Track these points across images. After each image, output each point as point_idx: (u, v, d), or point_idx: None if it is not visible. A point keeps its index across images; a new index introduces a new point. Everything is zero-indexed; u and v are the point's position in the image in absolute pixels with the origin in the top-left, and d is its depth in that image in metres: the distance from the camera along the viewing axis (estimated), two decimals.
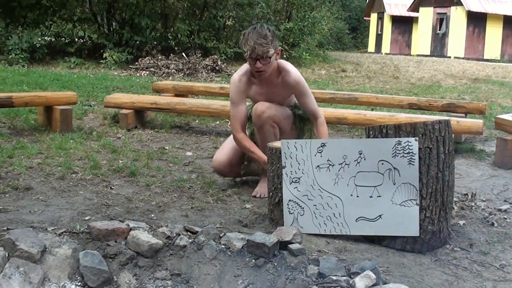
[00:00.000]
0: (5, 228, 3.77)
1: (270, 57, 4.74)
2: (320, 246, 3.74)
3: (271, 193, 4.21)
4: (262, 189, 4.99)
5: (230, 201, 4.83)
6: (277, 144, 4.24)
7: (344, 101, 9.31)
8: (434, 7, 36.61)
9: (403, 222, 3.82)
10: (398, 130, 3.82)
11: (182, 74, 16.52)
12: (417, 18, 38.76)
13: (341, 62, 22.80)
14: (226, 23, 20.40)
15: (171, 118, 8.62)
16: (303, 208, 3.97)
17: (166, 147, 6.78)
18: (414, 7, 38.36)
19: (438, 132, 3.80)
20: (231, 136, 5.18)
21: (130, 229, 3.62)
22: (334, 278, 3.19)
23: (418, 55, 34.87)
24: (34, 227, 3.76)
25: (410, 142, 3.75)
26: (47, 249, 3.43)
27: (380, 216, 3.84)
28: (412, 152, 3.75)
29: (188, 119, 8.59)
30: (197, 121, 8.61)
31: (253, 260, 3.37)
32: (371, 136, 3.92)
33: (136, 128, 7.89)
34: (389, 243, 3.90)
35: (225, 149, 5.24)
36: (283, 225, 3.93)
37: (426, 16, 37.20)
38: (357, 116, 7.38)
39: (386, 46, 41.18)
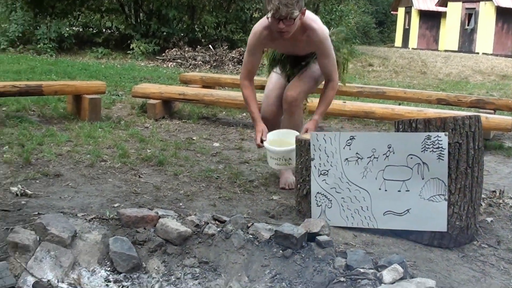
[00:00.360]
0: (36, 213, 3.83)
1: (294, 19, 4.51)
2: (347, 239, 3.75)
3: (299, 185, 4.22)
4: (287, 180, 5.01)
5: (257, 192, 4.85)
6: (306, 136, 4.25)
7: (371, 95, 9.28)
8: (462, 2, 36.28)
9: (431, 217, 3.82)
10: (428, 124, 3.81)
11: (209, 66, 16.55)
12: (445, 13, 38.43)
13: (368, 56, 22.69)
14: (253, 15, 20.39)
15: (198, 109, 8.65)
16: (331, 200, 3.98)
17: (193, 138, 6.81)
18: (443, 2, 38.04)
19: (468, 128, 3.79)
20: (270, 84, 5.21)
21: (159, 217, 3.66)
22: (362, 270, 3.19)
23: (445, 51, 34.59)
24: (65, 212, 3.82)
25: (440, 137, 3.74)
26: (77, 234, 3.48)
27: (408, 210, 3.84)
28: (441, 147, 3.74)
29: (215, 111, 8.62)
30: (224, 112, 8.63)
31: (281, 251, 3.39)
32: (401, 130, 3.92)
33: (163, 118, 7.93)
34: (416, 238, 3.89)
35: (270, 99, 5.20)
36: (310, 217, 3.94)
37: (455, 11, 36.88)
38: (385, 111, 7.35)
39: (413, 41, 40.88)
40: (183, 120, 7.86)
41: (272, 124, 5.06)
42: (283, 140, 4.82)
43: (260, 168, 5.61)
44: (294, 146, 4.39)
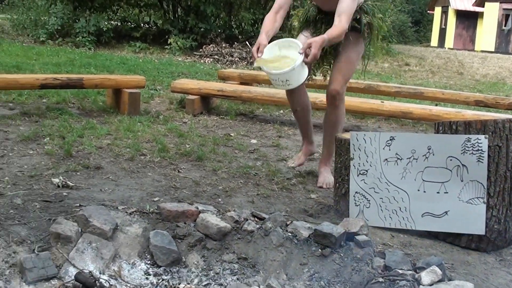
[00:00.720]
0: (78, 204, 3.90)
1: None
2: (385, 239, 3.77)
3: (337, 184, 4.25)
4: (326, 179, 5.03)
5: (295, 190, 4.87)
6: (346, 135, 4.26)
7: (409, 95, 9.25)
8: (500, 3, 35.94)
9: (469, 219, 3.81)
10: (468, 127, 3.80)
11: (245, 62, 16.59)
12: (482, 13, 38.10)
13: (404, 55, 22.59)
14: (290, 13, 20.33)
15: (236, 105, 8.70)
16: (369, 200, 3.99)
17: (231, 134, 6.85)
18: (480, 2, 37.70)
19: (508, 131, 3.78)
20: None
21: (199, 212, 3.70)
22: (400, 271, 3.21)
23: (482, 51, 34.32)
24: (106, 205, 3.88)
25: (480, 139, 3.74)
26: (118, 227, 3.53)
27: (446, 212, 3.84)
28: (481, 150, 3.73)
29: (253, 107, 8.66)
30: (261, 109, 8.67)
31: (320, 250, 3.41)
32: (441, 131, 3.92)
33: (201, 114, 7.99)
34: (453, 240, 3.89)
35: None
36: (348, 217, 3.96)
37: (492, 11, 36.54)
38: (423, 111, 7.33)
39: (449, 41, 40.58)
40: (221, 116, 7.91)
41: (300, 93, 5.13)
42: (285, 55, 4.59)
43: (299, 166, 5.60)
44: (288, 69, 4.32)
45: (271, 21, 4.85)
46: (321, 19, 5.13)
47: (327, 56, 5.19)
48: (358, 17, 4.97)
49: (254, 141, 6.61)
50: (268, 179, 5.10)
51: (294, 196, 4.71)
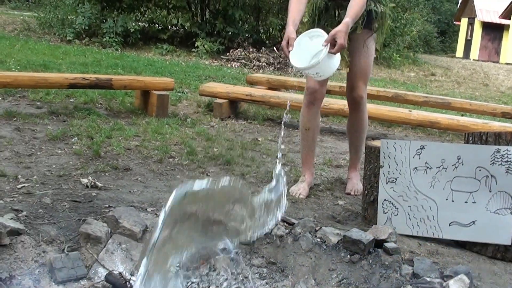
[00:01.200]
0: (107, 205, 3.94)
1: None
2: (412, 247, 3.78)
3: (366, 191, 4.26)
4: (354, 186, 5.05)
5: (323, 197, 4.89)
6: (376, 143, 4.28)
7: (437, 105, 9.23)
8: None
9: (496, 230, 3.81)
10: (498, 138, 3.81)
11: (273, 68, 16.63)
12: (508, 25, 37.92)
13: (430, 65, 22.53)
14: None
15: (264, 110, 8.73)
16: (397, 208, 4.01)
17: (259, 139, 6.89)
18: (506, 14, 37.52)
19: None
20: None
21: None
22: (428, 279, 3.22)
23: (507, 63, 34.12)
24: (135, 206, 3.92)
25: (510, 150, 3.74)
26: (148, 229, 3.56)
27: (473, 222, 3.85)
28: (510, 161, 3.73)
29: (281, 112, 8.68)
30: (289, 115, 8.67)
31: (348, 256, 3.43)
32: (470, 142, 3.93)
33: (229, 118, 8.03)
34: (480, 250, 3.89)
35: None
36: (376, 224, 3.98)
37: None
38: (450, 121, 7.33)
39: (475, 52, 40.41)
40: (249, 121, 7.95)
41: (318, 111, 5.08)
42: (314, 47, 4.33)
43: (325, 172, 5.66)
44: (313, 62, 4.15)
45: (296, 6, 4.59)
46: (333, 5, 4.90)
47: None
48: (369, 9, 4.82)
49: (282, 146, 6.61)
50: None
51: (322, 202, 4.73)
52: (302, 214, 4.29)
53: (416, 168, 3.96)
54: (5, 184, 4.34)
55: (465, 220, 3.85)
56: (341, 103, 7.27)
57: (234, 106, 8.28)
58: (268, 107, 8.77)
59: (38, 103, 7.63)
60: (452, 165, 3.86)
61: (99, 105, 7.98)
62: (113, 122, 6.83)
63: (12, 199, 4.01)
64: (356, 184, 5.03)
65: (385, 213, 4.05)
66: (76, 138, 5.89)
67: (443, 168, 3.88)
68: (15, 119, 6.46)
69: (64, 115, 6.99)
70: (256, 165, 5.62)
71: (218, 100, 8.08)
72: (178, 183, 4.70)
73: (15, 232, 3.32)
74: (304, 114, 5.08)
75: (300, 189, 4.86)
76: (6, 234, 3.27)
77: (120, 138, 6.11)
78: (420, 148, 3.94)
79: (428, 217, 3.94)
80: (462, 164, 3.83)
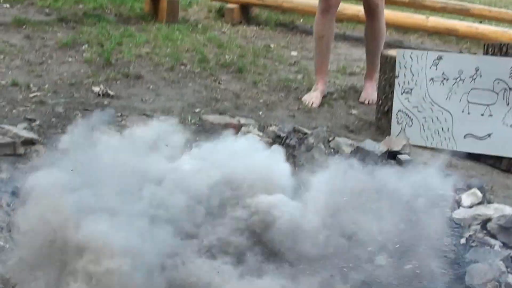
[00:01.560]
0: (119, 114, 3.92)
1: None
2: (425, 159, 3.74)
3: (380, 102, 4.22)
4: (369, 95, 4.95)
5: (336, 106, 4.83)
6: (392, 52, 4.20)
7: (455, 11, 8.98)
8: None
9: (511, 143, 3.79)
10: None
11: None
12: None
13: None
14: None
15: (276, 15, 8.53)
16: (412, 119, 3.97)
17: (271, 45, 6.77)
18: None
19: None
20: None
21: (241, 125, 3.71)
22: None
23: None
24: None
25: None
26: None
27: (489, 135, 3.81)
28: None
29: (293, 18, 8.49)
30: (301, 20, 8.52)
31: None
32: (490, 53, 3.85)
33: (240, 23, 7.87)
34: (494, 163, 3.87)
35: None
36: (389, 135, 3.95)
37: None
38: (468, 29, 7.16)
39: None
40: (260, 27, 7.79)
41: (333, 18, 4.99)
42: None
43: (339, 80, 5.56)
44: None
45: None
46: None
47: None
48: None
49: (294, 53, 6.53)
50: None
51: (335, 112, 4.69)
52: (315, 124, 4.26)
53: (432, 79, 3.89)
54: (18, 93, 4.34)
55: (480, 132, 3.82)
56: (356, 9, 7.09)
57: (246, 11, 8.10)
58: (281, 12, 8.59)
59: (47, 10, 7.47)
60: (470, 77, 3.80)
61: (108, 11, 7.80)
62: (123, 29, 6.68)
63: (25, 108, 4.01)
64: (371, 93, 4.94)
65: (399, 124, 4.01)
66: (86, 46, 5.78)
67: (460, 79, 3.82)
68: (24, 26, 6.30)
69: (74, 21, 6.83)
70: (268, 72, 5.54)
71: (230, 5, 7.91)
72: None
73: (29, 142, 3.36)
74: (319, 22, 4.93)
75: (313, 98, 4.80)
76: (20, 144, 3.32)
77: (130, 44, 6.00)
78: (437, 59, 3.87)
79: (443, 129, 3.90)
80: (480, 76, 3.77)
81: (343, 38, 7.51)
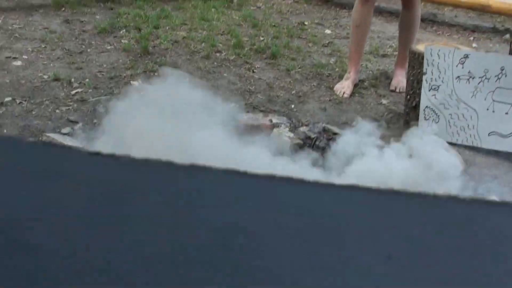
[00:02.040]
0: None
1: None
2: None
3: (408, 97, 4.32)
4: (399, 83, 5.02)
5: (366, 95, 4.93)
6: (420, 47, 4.30)
7: None
8: None
9: None
10: None
11: None
12: None
13: None
14: None
15: None
16: (438, 116, 4.08)
17: (305, 23, 6.81)
18: None
19: None
20: None
21: (273, 126, 3.86)
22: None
23: None
24: None
25: None
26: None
27: None
28: None
29: None
30: None
31: None
32: None
33: None
34: None
35: None
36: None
37: None
38: (501, 5, 7.16)
39: None
40: (295, 0, 7.86)
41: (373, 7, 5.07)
42: None
43: (371, 63, 5.61)
44: None
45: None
46: None
47: None
48: None
49: (328, 31, 6.59)
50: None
51: (366, 102, 4.80)
52: (345, 117, 4.39)
53: (459, 77, 3.99)
54: (60, 90, 4.52)
55: (505, 130, 3.93)
56: None
57: None
58: None
59: None
60: (495, 76, 3.89)
61: None
62: (160, 9, 6.77)
63: (67, 107, 4.18)
64: (401, 81, 4.98)
65: (427, 119, 4.13)
66: (124, 30, 5.92)
67: (485, 78, 3.92)
68: (63, 9, 6.47)
69: (111, 1, 6.95)
70: (301, 57, 5.63)
71: None
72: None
73: None
74: (357, 10, 5.00)
75: (345, 87, 4.92)
76: None
77: (167, 27, 6.12)
78: (464, 57, 3.96)
79: (468, 126, 4.01)
80: (505, 76, 3.86)
81: (378, 11, 7.50)
